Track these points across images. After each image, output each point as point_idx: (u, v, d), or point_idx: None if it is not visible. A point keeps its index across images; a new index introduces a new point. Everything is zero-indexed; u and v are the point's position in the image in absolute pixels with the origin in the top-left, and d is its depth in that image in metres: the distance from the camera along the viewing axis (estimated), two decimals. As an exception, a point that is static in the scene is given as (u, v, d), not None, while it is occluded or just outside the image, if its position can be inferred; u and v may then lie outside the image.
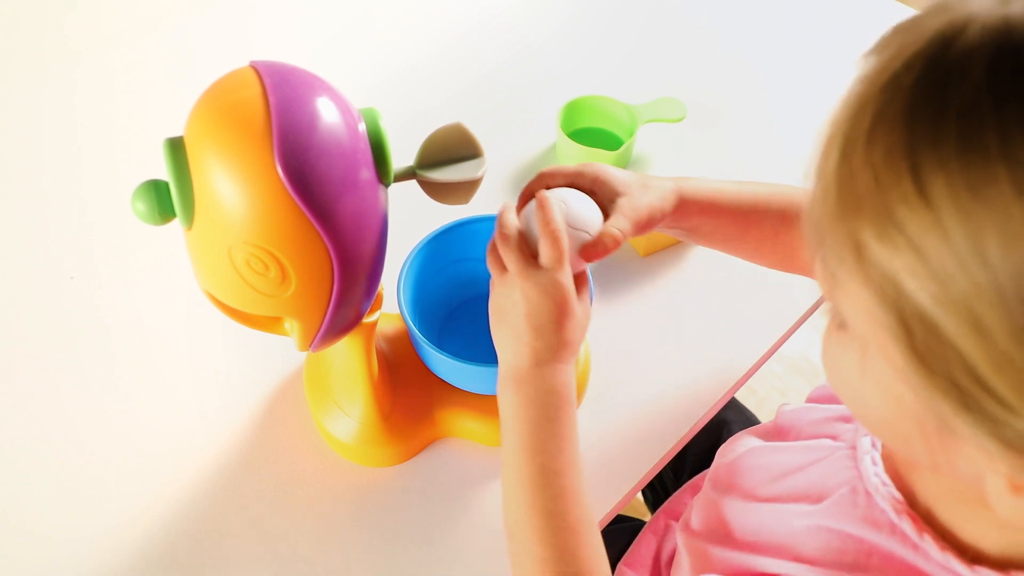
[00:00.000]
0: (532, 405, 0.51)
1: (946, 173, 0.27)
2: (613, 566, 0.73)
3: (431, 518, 0.63)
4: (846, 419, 0.51)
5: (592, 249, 0.52)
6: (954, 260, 0.27)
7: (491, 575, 0.60)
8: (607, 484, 0.65)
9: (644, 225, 0.56)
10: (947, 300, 0.28)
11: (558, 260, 0.50)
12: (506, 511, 0.51)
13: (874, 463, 0.45)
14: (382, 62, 0.99)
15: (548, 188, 0.55)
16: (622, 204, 0.55)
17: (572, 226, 0.52)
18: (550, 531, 0.48)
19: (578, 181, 0.56)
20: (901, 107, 0.29)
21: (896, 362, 0.31)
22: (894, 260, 0.29)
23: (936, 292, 0.28)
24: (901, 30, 0.31)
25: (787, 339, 0.76)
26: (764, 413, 1.46)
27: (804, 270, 0.62)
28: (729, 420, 0.86)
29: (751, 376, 0.73)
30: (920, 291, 0.28)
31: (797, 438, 0.55)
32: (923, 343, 0.29)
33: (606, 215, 0.55)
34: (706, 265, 0.80)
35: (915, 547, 0.40)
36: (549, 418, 0.50)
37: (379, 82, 0.96)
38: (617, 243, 0.53)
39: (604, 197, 0.56)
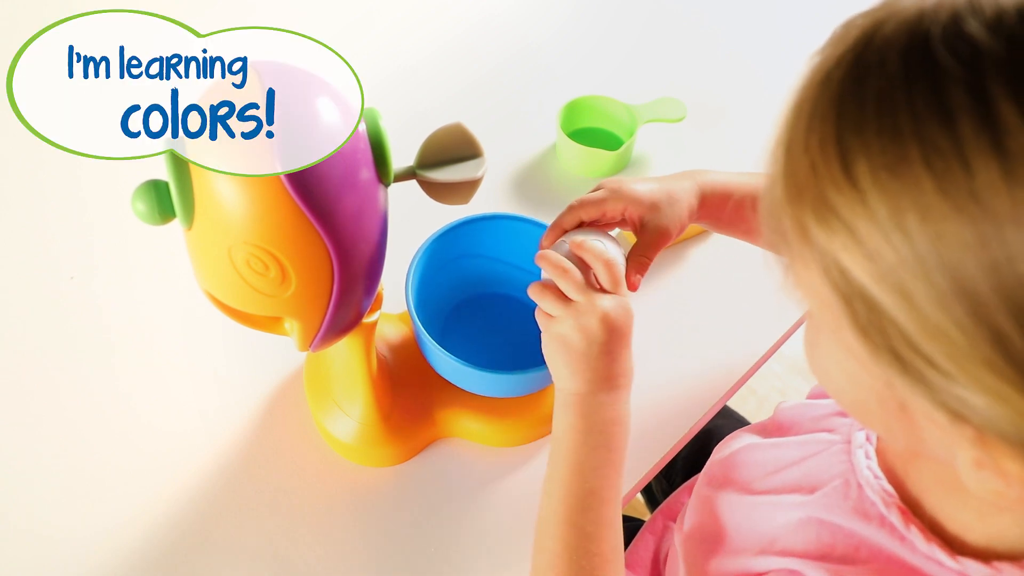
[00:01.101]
0: (595, 432, 0.51)
1: (868, 156, 0.29)
2: (613, 566, 0.73)
3: (431, 518, 0.63)
4: (843, 414, 0.52)
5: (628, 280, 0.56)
6: (880, 236, 0.29)
7: (491, 574, 0.60)
8: (607, 484, 0.65)
9: (671, 239, 0.58)
10: (878, 275, 0.29)
11: (617, 283, 0.53)
12: (542, 527, 0.51)
13: (867, 457, 0.46)
14: (382, 62, 0.99)
15: (580, 221, 0.58)
16: (648, 225, 0.57)
17: None
18: (583, 554, 0.49)
19: (608, 209, 0.58)
20: (831, 99, 0.31)
21: (848, 341, 0.32)
22: (832, 241, 0.31)
23: (869, 268, 0.30)
24: (843, 26, 0.33)
25: (787, 339, 0.76)
26: (764, 413, 1.45)
27: None
28: (720, 426, 0.86)
29: (751, 376, 0.73)
30: (856, 268, 0.30)
31: (798, 434, 0.55)
32: (865, 319, 0.31)
33: (637, 234, 0.58)
34: (706, 265, 0.80)
35: (902, 539, 0.41)
36: (609, 447, 0.51)
37: (379, 82, 0.96)
38: (644, 271, 0.57)
39: (634, 216, 0.58)
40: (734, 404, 0.93)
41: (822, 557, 0.43)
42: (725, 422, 0.87)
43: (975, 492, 0.33)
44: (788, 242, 0.33)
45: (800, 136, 0.32)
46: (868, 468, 0.45)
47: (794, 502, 0.47)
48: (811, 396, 0.59)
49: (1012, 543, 0.39)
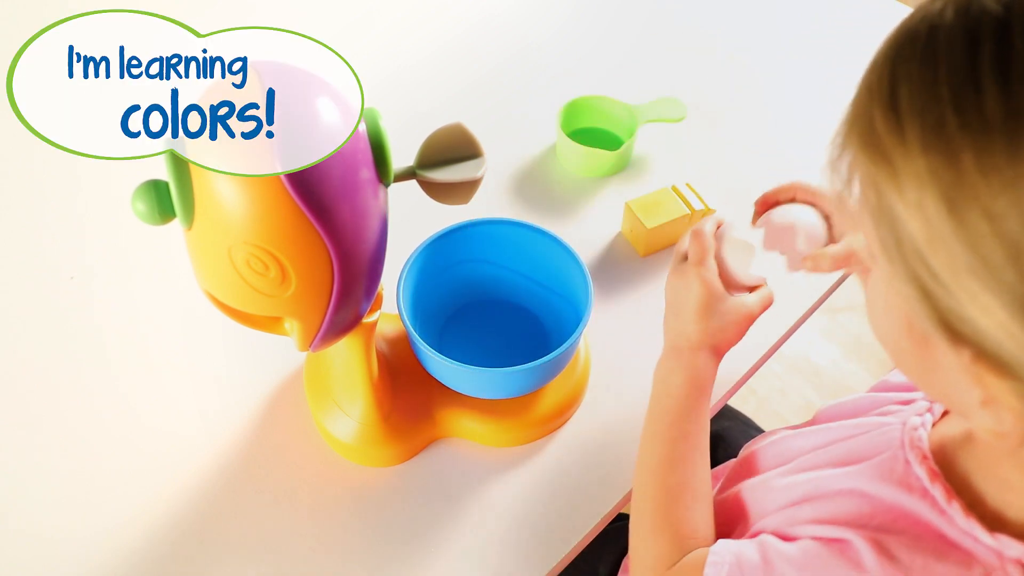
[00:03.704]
0: (689, 383, 0.58)
1: (909, 82, 0.32)
2: (616, 563, 0.73)
3: (431, 518, 0.63)
4: (905, 402, 0.53)
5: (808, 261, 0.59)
6: (903, 150, 0.32)
7: (491, 574, 0.60)
8: (608, 482, 0.65)
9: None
10: (898, 188, 0.32)
11: (698, 256, 0.58)
12: (644, 464, 0.58)
13: (919, 439, 0.47)
14: (382, 62, 0.99)
15: (793, 198, 0.61)
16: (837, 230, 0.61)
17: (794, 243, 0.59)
18: (679, 489, 0.55)
19: (820, 201, 0.60)
20: (896, 41, 0.34)
21: (882, 266, 0.35)
22: (871, 165, 0.33)
23: (893, 183, 0.32)
24: None
25: (787, 339, 0.76)
26: (764, 414, 1.46)
27: None
28: (726, 427, 0.86)
29: (751, 376, 0.73)
30: (885, 184, 0.33)
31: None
32: (888, 234, 0.33)
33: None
34: (706, 265, 0.80)
35: (942, 512, 0.43)
36: (703, 395, 0.58)
37: (379, 82, 0.96)
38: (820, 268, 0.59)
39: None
40: (734, 404, 0.93)
41: (861, 526, 0.45)
42: (731, 423, 0.87)
43: (982, 433, 0.36)
44: (844, 180, 0.36)
45: (864, 78, 0.35)
46: (917, 446, 0.46)
47: (837, 474, 0.49)
48: (873, 390, 0.60)
49: None
